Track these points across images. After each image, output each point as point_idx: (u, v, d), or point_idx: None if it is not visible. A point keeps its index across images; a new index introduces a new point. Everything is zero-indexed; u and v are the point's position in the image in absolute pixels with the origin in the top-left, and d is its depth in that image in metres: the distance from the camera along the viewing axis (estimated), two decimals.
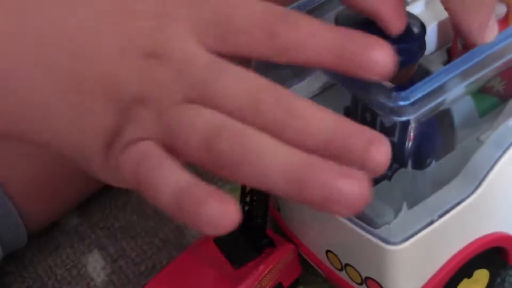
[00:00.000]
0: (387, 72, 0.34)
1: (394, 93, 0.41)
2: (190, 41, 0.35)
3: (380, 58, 0.34)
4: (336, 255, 0.47)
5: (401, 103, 0.41)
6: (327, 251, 0.48)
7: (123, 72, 0.35)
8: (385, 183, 0.45)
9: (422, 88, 0.42)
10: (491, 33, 0.42)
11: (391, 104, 0.41)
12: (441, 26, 0.52)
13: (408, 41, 0.43)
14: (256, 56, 0.35)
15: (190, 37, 0.35)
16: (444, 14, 0.51)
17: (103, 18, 0.36)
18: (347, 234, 0.45)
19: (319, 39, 0.34)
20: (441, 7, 0.51)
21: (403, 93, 0.41)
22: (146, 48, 0.35)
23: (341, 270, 0.48)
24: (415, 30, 0.44)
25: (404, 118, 0.41)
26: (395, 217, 0.44)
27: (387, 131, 0.43)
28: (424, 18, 0.52)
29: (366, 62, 0.34)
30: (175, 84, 0.34)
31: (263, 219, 0.50)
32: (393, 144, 0.43)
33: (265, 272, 0.50)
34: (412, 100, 0.41)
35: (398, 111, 0.41)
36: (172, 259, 0.56)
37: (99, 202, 0.61)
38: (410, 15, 0.43)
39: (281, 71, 0.51)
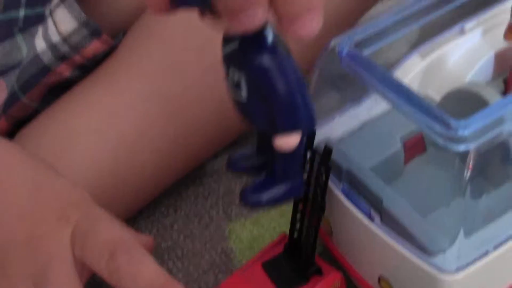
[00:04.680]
0: None
1: (453, 122, 0.41)
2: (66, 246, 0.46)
3: None
4: (388, 282, 0.47)
5: (461, 132, 0.41)
6: (380, 278, 0.47)
7: None
8: (441, 210, 0.45)
9: (481, 118, 0.42)
10: (243, 22, 0.36)
11: (450, 133, 0.41)
12: (498, 56, 0.52)
13: None
14: (97, 271, 0.45)
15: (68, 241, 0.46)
16: (501, 44, 0.52)
17: None
18: (401, 260, 0.45)
19: (146, 279, 0.43)
20: (498, 37, 0.51)
21: (462, 122, 0.41)
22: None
23: None
24: None
25: (463, 147, 0.41)
26: (450, 245, 0.43)
27: None
28: (481, 47, 0.52)
29: None
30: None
31: (312, 247, 0.50)
32: (451, 173, 0.44)
33: None
34: (471, 129, 0.41)
35: (458, 140, 0.41)
36: (218, 282, 0.56)
37: (146, 221, 0.61)
38: None
39: (339, 94, 0.52)
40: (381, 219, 0.46)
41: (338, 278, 0.50)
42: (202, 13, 0.39)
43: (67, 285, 0.45)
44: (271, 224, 0.59)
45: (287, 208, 0.58)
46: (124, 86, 0.59)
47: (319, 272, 0.50)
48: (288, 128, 0.40)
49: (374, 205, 0.46)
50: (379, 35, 0.50)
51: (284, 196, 0.42)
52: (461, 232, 0.43)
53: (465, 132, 0.41)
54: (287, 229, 0.53)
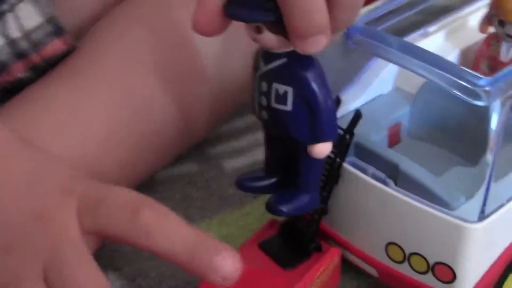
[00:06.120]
0: (231, 277, 0.41)
1: (481, 79, 0.45)
2: (73, 219, 0.43)
3: (224, 265, 0.41)
4: (399, 246, 0.49)
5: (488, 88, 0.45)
6: (388, 244, 0.50)
7: None
8: (458, 168, 0.49)
9: (503, 76, 0.46)
10: (311, 45, 0.42)
11: (477, 89, 0.45)
12: (463, 54, 0.57)
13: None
14: (119, 235, 0.42)
15: (74, 214, 0.43)
16: (465, 43, 0.58)
17: None
18: (420, 219, 0.47)
19: (177, 231, 0.41)
20: (461, 38, 0.57)
21: (487, 79, 0.46)
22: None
23: (401, 262, 0.49)
24: None
25: (488, 102, 0.46)
26: (467, 200, 0.47)
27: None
28: (445, 48, 0.58)
29: (213, 267, 0.41)
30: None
31: (317, 221, 0.51)
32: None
33: (317, 274, 0.51)
34: (496, 85, 0.46)
35: (485, 95, 0.45)
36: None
37: None
38: None
39: None
40: (396, 184, 0.49)
41: (338, 254, 0.52)
42: (259, 29, 0.43)
43: (83, 264, 0.43)
44: (238, 223, 0.59)
45: (251, 208, 0.60)
46: (91, 84, 0.58)
47: (319, 249, 0.52)
48: (328, 136, 0.45)
49: (388, 171, 0.49)
50: None
51: (304, 207, 0.48)
52: (484, 184, 0.47)
53: (491, 88, 0.45)
54: (255, 227, 0.54)
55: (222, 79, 0.61)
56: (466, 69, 0.46)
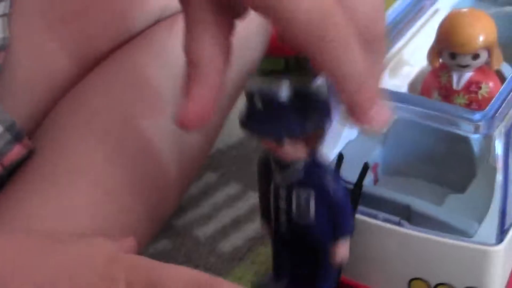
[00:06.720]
0: None
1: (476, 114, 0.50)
2: None
3: None
4: (423, 280, 0.52)
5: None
6: (411, 280, 0.53)
7: None
8: (459, 195, 0.53)
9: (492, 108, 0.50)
10: (377, 116, 0.43)
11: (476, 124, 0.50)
12: (411, 87, 0.61)
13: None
14: None
15: None
16: (409, 77, 0.62)
17: None
18: (443, 251, 0.51)
19: None
20: (404, 72, 0.61)
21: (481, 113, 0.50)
22: None
23: None
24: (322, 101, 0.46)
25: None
26: (479, 225, 0.51)
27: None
28: (396, 85, 0.62)
29: None
30: None
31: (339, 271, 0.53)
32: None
33: None
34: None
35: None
36: None
37: None
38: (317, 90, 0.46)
39: None
40: (409, 223, 0.52)
41: None
42: (280, 143, 0.45)
43: None
44: None
45: (240, 272, 0.61)
46: (67, 191, 0.56)
47: None
48: (349, 231, 0.49)
49: (398, 212, 0.52)
50: None
51: None
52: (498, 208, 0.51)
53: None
54: None
55: (182, 155, 0.62)
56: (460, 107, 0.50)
